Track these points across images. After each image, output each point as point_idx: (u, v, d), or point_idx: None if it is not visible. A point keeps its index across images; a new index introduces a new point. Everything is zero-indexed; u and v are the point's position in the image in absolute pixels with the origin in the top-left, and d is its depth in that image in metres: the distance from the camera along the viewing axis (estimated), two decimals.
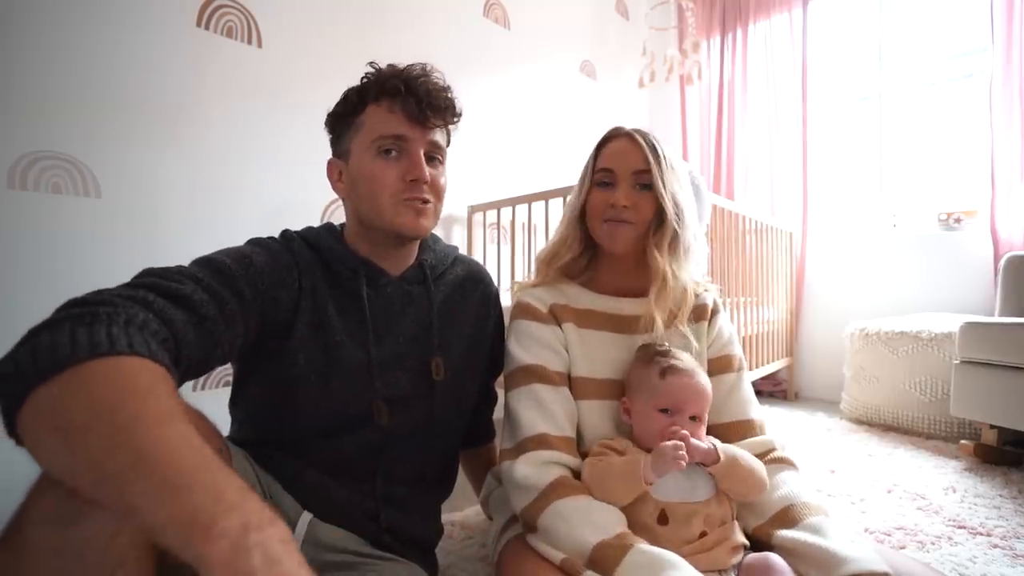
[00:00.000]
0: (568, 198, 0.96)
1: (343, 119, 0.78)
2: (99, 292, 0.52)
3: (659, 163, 0.84)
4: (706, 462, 0.73)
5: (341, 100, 0.79)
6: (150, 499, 0.37)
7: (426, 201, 0.76)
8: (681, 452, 0.69)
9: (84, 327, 0.45)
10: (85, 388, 0.42)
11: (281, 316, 0.71)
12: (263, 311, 0.68)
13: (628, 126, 0.90)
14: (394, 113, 0.74)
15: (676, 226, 0.84)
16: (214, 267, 0.65)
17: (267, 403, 0.74)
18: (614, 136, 0.89)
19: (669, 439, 0.73)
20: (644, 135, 0.87)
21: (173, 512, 0.37)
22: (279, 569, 0.36)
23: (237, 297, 0.64)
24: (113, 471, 0.38)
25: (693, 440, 0.73)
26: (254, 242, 0.75)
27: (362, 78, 0.78)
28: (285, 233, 0.80)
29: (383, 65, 0.78)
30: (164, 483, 0.38)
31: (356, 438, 0.75)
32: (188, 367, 0.56)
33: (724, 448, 0.75)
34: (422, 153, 0.75)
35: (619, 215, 0.83)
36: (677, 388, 0.77)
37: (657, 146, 0.86)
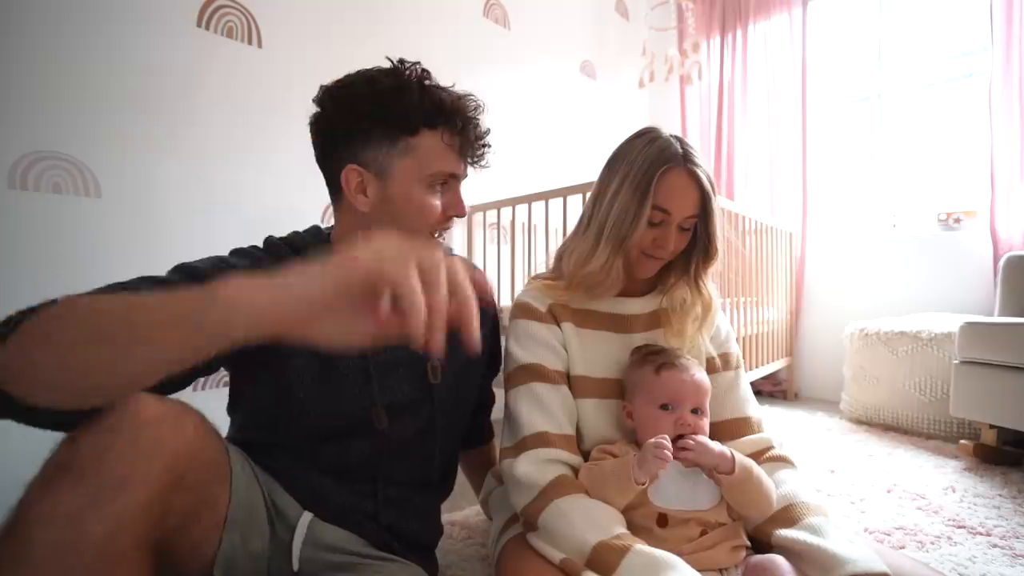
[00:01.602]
0: (584, 207, 0.88)
1: (383, 128, 0.71)
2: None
3: (714, 200, 0.82)
4: (720, 469, 0.71)
5: (378, 104, 0.70)
6: (155, 330, 0.44)
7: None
8: (663, 451, 0.68)
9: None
10: (49, 316, 0.47)
11: None
12: None
13: (664, 128, 0.84)
14: (452, 149, 0.74)
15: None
16: (186, 271, 0.65)
17: (264, 407, 0.74)
18: (671, 166, 0.78)
19: (675, 434, 0.73)
20: (703, 171, 0.80)
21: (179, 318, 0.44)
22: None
23: None
24: (114, 336, 0.44)
25: (705, 441, 0.73)
26: (235, 251, 0.74)
27: (405, 75, 0.72)
28: (269, 239, 0.78)
29: (408, 61, 0.74)
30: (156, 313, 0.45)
31: (355, 442, 0.75)
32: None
33: (741, 459, 0.72)
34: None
35: (659, 254, 0.83)
36: (675, 382, 0.77)
37: (712, 183, 0.81)
